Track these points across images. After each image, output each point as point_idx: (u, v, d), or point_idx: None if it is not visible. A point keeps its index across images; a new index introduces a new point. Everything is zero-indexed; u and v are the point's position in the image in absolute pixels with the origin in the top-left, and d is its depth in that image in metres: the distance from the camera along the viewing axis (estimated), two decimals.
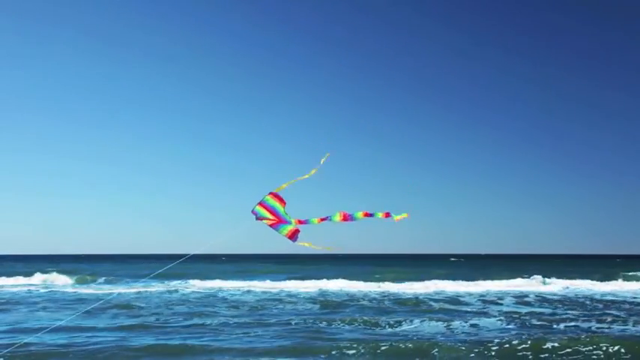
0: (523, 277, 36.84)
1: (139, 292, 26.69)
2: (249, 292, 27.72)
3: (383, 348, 12.27)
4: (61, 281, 35.29)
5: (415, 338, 13.48)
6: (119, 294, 25.78)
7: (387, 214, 6.47)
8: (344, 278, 35.00)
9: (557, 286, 32.73)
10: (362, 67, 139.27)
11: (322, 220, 6.55)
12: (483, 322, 16.83)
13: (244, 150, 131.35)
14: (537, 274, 38.44)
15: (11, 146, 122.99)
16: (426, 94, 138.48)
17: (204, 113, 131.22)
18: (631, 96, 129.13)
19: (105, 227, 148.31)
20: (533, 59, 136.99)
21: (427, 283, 32.81)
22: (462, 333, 14.71)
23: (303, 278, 36.89)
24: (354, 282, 33.45)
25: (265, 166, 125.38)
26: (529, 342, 12.74)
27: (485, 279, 35.56)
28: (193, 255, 7.62)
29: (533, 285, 33.43)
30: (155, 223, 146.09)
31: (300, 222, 6.54)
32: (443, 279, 35.58)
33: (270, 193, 6.55)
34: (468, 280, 34.06)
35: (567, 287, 32.03)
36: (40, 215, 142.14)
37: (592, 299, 24.89)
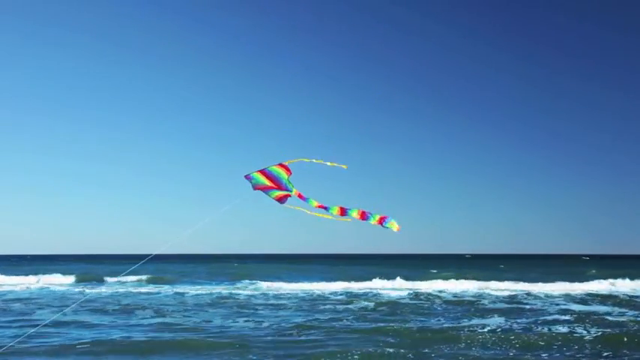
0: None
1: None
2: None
3: None
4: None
5: None
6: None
7: (383, 219, 6.18)
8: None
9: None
10: (362, 67, 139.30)
11: (320, 206, 6.36)
12: None
13: (244, 150, 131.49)
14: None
15: (11, 146, 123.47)
16: (426, 95, 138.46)
17: (205, 113, 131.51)
18: (631, 96, 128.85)
19: (104, 227, 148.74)
20: (532, 59, 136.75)
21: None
22: None
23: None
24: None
25: (265, 165, 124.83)
26: None
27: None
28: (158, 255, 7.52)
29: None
30: (155, 223, 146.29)
31: (300, 196, 6.41)
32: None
33: (278, 164, 6.39)
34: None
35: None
36: (41, 215, 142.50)
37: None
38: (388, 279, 34.73)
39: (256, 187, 6.40)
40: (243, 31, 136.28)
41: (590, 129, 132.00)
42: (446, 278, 36.23)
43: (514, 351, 12.33)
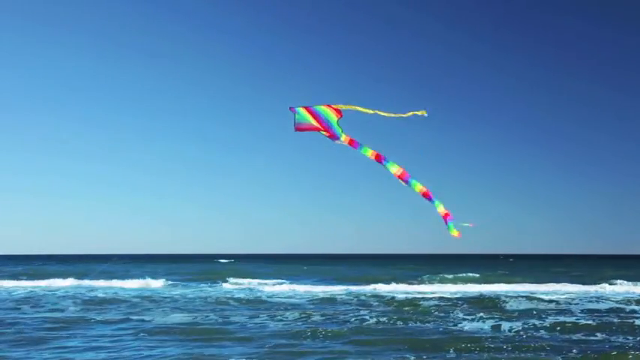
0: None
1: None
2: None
3: None
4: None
5: None
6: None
7: (447, 215, 5.84)
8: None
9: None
10: (362, 67, 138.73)
11: (377, 158, 5.80)
12: None
13: (244, 150, 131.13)
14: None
15: (11, 146, 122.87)
16: (425, 94, 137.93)
17: (204, 113, 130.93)
18: (631, 96, 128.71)
19: (104, 227, 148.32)
20: (532, 59, 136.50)
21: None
22: None
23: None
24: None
25: (265, 165, 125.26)
26: None
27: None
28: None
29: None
30: (155, 223, 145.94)
31: (351, 143, 5.81)
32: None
33: (327, 105, 5.71)
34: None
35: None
36: (40, 215, 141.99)
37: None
38: (389, 282, 34.17)
39: (299, 126, 5.62)
40: (243, 31, 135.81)
41: (590, 129, 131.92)
42: (471, 281, 36.09)
43: None
